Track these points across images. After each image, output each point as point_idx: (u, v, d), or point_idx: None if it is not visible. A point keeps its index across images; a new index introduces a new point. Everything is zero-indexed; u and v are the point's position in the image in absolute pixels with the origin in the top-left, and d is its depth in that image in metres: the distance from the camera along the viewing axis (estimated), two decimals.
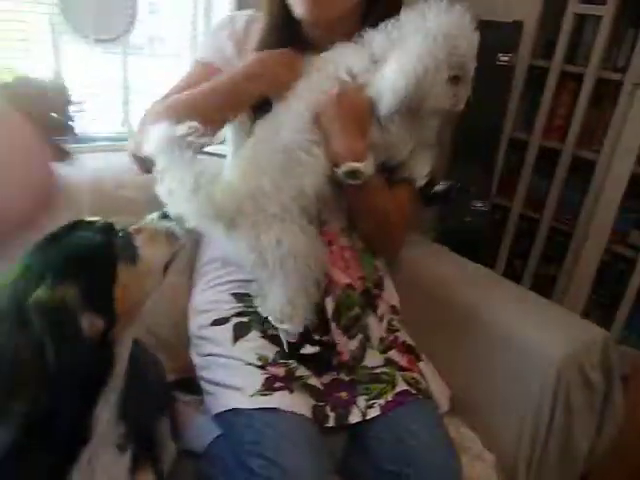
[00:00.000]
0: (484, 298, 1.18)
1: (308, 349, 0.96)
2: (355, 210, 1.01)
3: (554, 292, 2.24)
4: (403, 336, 1.10)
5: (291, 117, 0.92)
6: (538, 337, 1.07)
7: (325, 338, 0.97)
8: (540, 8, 2.12)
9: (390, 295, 1.15)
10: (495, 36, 2.01)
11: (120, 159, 1.17)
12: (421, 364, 1.08)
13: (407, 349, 1.08)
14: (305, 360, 0.96)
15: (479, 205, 2.04)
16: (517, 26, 2.05)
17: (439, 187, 1.05)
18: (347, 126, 0.91)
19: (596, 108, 2.10)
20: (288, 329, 0.93)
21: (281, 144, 0.91)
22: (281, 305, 0.90)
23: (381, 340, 1.05)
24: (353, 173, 0.90)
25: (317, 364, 0.97)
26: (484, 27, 1.97)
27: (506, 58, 2.01)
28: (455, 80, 0.92)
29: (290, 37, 0.99)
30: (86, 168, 1.13)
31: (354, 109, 0.92)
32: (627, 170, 1.95)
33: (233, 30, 1.06)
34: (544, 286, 2.28)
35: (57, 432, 0.60)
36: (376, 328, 1.04)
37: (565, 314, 1.20)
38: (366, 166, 0.90)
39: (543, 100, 2.18)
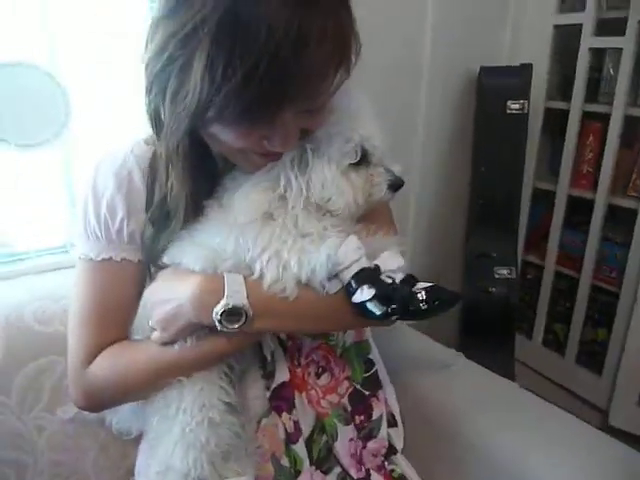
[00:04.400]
0: (497, 428, 0.94)
1: None
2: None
3: (606, 361, 1.93)
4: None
5: None
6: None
7: None
8: (550, 47, 1.92)
9: (388, 398, 0.97)
10: (502, 83, 1.84)
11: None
12: None
13: None
14: None
15: (504, 272, 1.78)
16: (526, 69, 1.84)
17: (424, 284, 0.72)
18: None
19: (627, 149, 1.84)
20: None
21: None
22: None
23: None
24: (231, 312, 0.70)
25: None
26: (488, 74, 1.86)
27: (517, 105, 1.80)
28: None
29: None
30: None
31: None
32: None
33: (129, 189, 0.81)
34: (592, 354, 1.99)
35: None
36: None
37: (597, 443, 0.92)
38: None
39: (566, 145, 1.95)
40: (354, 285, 0.70)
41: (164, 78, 0.65)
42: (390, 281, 0.71)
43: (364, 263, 0.70)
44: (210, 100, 0.61)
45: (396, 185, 0.75)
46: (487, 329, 1.85)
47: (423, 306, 0.70)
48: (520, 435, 0.92)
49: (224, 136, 0.69)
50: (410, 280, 0.73)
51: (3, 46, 1.08)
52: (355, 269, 0.70)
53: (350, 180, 0.73)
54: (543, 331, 2.16)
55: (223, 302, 0.69)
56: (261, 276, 0.71)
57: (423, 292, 0.71)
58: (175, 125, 0.67)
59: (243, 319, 0.70)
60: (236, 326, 0.70)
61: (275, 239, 0.71)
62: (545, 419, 0.95)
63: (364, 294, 0.69)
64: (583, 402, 1.98)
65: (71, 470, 0.96)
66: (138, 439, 0.91)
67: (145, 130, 0.77)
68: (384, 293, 0.69)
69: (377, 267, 0.71)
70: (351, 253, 0.69)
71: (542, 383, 2.10)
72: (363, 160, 0.74)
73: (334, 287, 0.72)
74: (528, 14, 1.95)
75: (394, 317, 0.71)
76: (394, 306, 0.69)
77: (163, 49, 0.63)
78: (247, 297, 0.70)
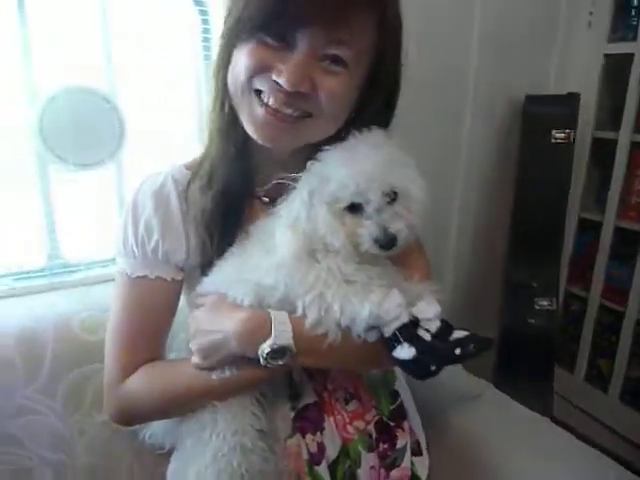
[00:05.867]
0: (522, 461, 0.93)
1: None
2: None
3: None
4: None
5: None
6: None
7: None
8: (599, 76, 1.90)
9: (413, 427, 0.96)
10: (548, 111, 1.82)
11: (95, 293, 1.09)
12: None
13: None
14: None
15: (545, 303, 1.74)
16: (572, 98, 1.82)
17: (459, 333, 0.73)
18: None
19: None
20: None
21: None
22: None
23: None
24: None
25: None
26: (534, 103, 1.85)
27: (562, 134, 1.78)
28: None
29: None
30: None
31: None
32: None
33: (166, 211, 0.85)
34: (637, 391, 1.90)
35: None
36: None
37: None
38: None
39: (614, 176, 1.90)
40: (394, 341, 0.71)
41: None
42: (428, 336, 0.72)
43: (404, 319, 0.71)
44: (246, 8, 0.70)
45: (383, 242, 0.72)
46: (525, 361, 1.81)
47: (458, 355, 0.72)
48: (546, 469, 0.91)
49: (243, 57, 0.73)
50: (446, 329, 0.74)
51: (66, 72, 1.17)
52: (395, 325, 0.71)
53: (344, 224, 0.74)
54: (586, 366, 2.09)
55: (270, 342, 0.72)
56: (304, 315, 0.73)
57: (459, 349, 0.72)
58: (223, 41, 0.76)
59: (287, 356, 0.73)
60: (280, 363, 0.73)
61: (320, 282, 0.73)
62: (574, 455, 0.93)
63: (404, 352, 0.70)
64: (625, 441, 1.90)
65: (106, 475, 1.00)
66: (170, 451, 0.94)
67: (188, 157, 0.82)
68: (424, 353, 0.70)
69: (416, 320, 0.72)
70: (393, 310, 0.71)
71: (583, 419, 2.03)
72: (359, 209, 0.73)
73: (372, 337, 0.73)
74: (577, 42, 1.93)
75: (432, 374, 0.71)
76: (433, 368, 0.70)
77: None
78: (292, 336, 0.73)
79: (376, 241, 0.72)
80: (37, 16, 1.14)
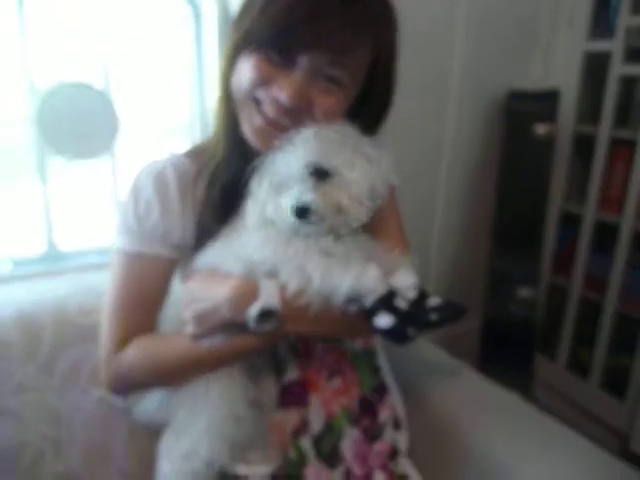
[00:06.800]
0: (493, 435, 0.99)
1: None
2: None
3: (629, 386, 1.92)
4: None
5: None
6: None
7: None
8: (580, 73, 1.96)
9: (394, 402, 1.01)
10: (529, 107, 1.87)
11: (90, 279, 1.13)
12: None
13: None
14: None
15: (526, 293, 1.80)
16: (554, 94, 1.88)
17: (434, 301, 0.79)
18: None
19: None
20: None
21: None
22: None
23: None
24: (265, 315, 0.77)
25: None
26: (516, 98, 1.90)
27: (543, 129, 1.84)
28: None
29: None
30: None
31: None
32: None
33: (165, 193, 0.89)
34: (616, 381, 1.97)
35: None
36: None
37: (592, 456, 0.95)
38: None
39: (593, 170, 1.96)
40: (374, 310, 0.75)
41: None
42: (405, 304, 0.76)
43: (382, 290, 0.75)
44: (256, 22, 0.76)
45: (296, 211, 0.77)
46: (508, 349, 1.87)
47: (434, 321, 0.77)
48: (516, 444, 0.96)
49: (247, 68, 0.78)
50: (423, 297, 0.79)
51: (63, 68, 1.22)
52: (374, 297, 0.75)
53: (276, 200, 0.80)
54: (567, 354, 2.15)
55: (258, 304, 0.76)
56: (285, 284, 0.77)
57: (435, 315, 0.77)
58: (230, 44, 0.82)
59: (275, 320, 0.77)
60: (268, 327, 0.77)
61: (300, 254, 0.77)
62: (542, 432, 0.99)
63: (384, 321, 0.74)
64: (604, 426, 1.97)
65: (102, 449, 1.05)
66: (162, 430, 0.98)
67: (183, 148, 0.87)
68: (402, 321, 0.74)
69: (393, 291, 0.77)
70: (371, 282, 0.75)
71: (563, 405, 2.10)
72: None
73: (353, 307, 0.77)
74: (558, 40, 1.99)
75: (410, 340, 0.76)
76: (411, 334, 0.74)
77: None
78: (279, 301, 0.77)
79: (291, 211, 0.77)
80: (35, 12, 1.18)
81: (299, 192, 0.77)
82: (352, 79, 0.81)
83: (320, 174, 0.78)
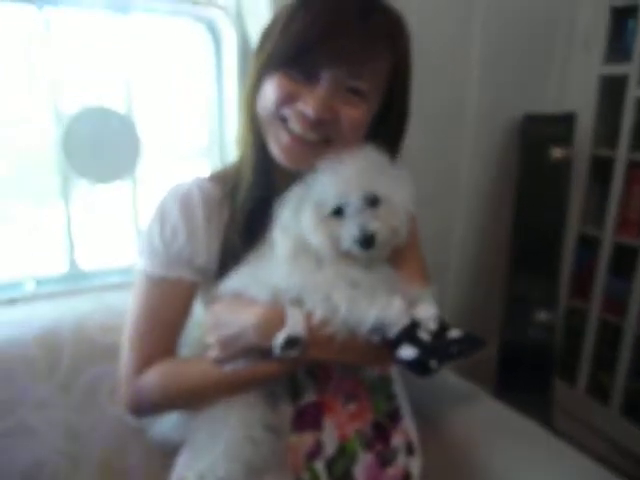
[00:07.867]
0: (509, 462, 0.98)
1: None
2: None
3: None
4: None
5: None
6: None
7: None
8: (596, 96, 1.96)
9: (407, 428, 1.00)
10: (545, 130, 1.88)
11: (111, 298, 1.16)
12: None
13: None
14: None
15: (544, 317, 1.78)
16: (570, 117, 1.88)
17: (455, 333, 0.79)
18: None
19: None
20: None
21: None
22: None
23: None
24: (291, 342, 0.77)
25: None
26: (532, 122, 1.91)
27: (560, 152, 1.84)
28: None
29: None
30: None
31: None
32: None
33: (191, 217, 0.90)
34: (638, 404, 1.93)
35: None
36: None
37: None
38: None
39: (611, 193, 1.95)
40: (397, 342, 0.76)
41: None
42: (428, 336, 0.77)
43: (406, 322, 0.77)
44: (277, 44, 0.80)
45: (361, 241, 0.78)
46: (526, 374, 1.84)
47: (455, 353, 0.77)
48: (532, 472, 0.95)
49: (272, 88, 0.81)
50: (443, 329, 0.79)
51: (87, 93, 1.26)
52: (398, 328, 0.76)
53: (329, 226, 0.80)
54: (587, 379, 2.11)
55: (284, 332, 0.77)
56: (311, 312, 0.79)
57: (456, 347, 0.77)
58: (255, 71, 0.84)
59: (300, 347, 0.78)
60: (293, 353, 0.78)
61: (327, 284, 0.78)
62: (558, 458, 0.97)
63: (407, 353, 0.75)
64: (625, 453, 1.92)
65: (119, 467, 1.06)
66: (178, 449, 0.98)
67: (207, 172, 0.89)
68: (425, 353, 0.75)
69: (416, 323, 0.78)
70: (396, 315, 0.76)
71: (584, 432, 2.05)
72: (342, 213, 0.80)
73: (376, 337, 0.78)
74: (574, 63, 2.00)
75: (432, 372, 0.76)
76: (434, 366, 0.75)
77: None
78: (304, 328, 0.78)
79: (355, 240, 0.78)
80: (61, 38, 1.23)
81: (363, 221, 0.78)
82: (374, 89, 0.83)
83: (374, 201, 0.80)
